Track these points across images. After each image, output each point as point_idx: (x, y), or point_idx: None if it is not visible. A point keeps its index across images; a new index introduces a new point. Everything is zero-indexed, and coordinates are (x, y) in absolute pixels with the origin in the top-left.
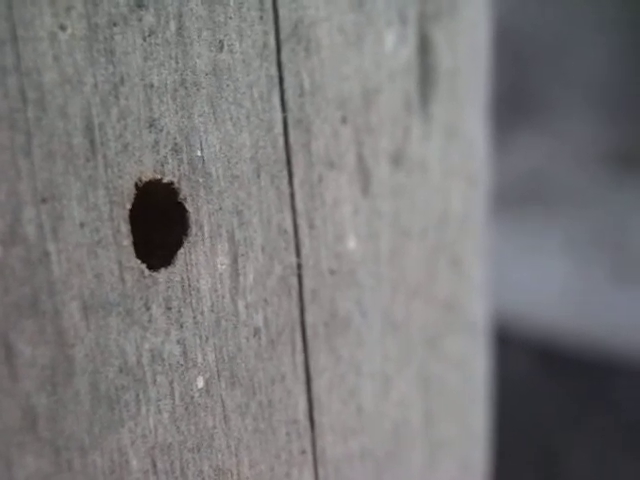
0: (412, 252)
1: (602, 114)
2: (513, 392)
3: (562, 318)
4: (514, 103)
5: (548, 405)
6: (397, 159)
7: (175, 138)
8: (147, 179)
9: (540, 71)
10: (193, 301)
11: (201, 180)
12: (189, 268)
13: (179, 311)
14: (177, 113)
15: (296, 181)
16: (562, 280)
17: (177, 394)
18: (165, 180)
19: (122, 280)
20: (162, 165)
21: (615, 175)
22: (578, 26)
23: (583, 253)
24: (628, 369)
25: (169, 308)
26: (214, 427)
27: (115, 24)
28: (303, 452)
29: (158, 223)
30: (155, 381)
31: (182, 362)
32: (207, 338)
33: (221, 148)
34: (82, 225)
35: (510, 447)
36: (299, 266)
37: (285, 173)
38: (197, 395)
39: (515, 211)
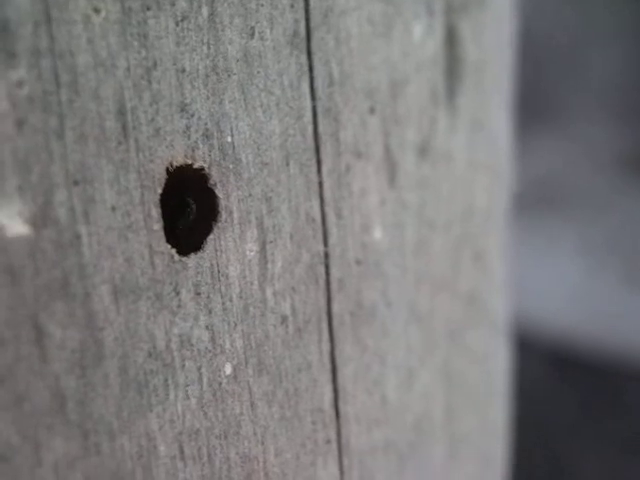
0: (436, 244)
1: (619, 118)
2: (525, 395)
3: (575, 322)
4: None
5: (560, 409)
6: (423, 150)
7: (206, 124)
8: (178, 164)
9: (557, 75)
10: (222, 287)
11: (231, 166)
12: (218, 254)
13: (208, 297)
14: (208, 99)
15: (324, 170)
16: (576, 284)
17: (205, 380)
18: (196, 165)
19: (152, 264)
20: (193, 150)
21: (631, 179)
22: (595, 30)
23: (598, 257)
24: (637, 372)
25: (198, 294)
26: (241, 414)
27: (148, 8)
28: (328, 441)
29: (186, 208)
30: (184, 366)
31: (210, 348)
32: (235, 324)
33: (251, 135)
34: (113, 209)
35: (522, 450)
36: (326, 255)
37: (314, 162)
38: (225, 381)
39: (530, 214)
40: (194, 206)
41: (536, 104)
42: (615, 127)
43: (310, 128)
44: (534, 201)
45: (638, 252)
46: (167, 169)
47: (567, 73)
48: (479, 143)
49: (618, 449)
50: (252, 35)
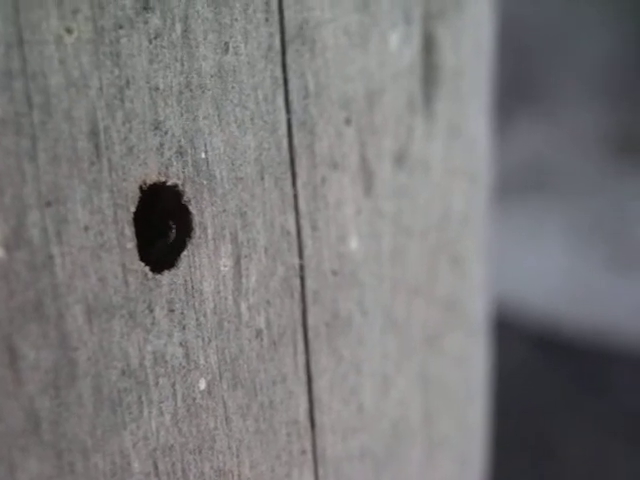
0: (413, 251)
1: (602, 101)
2: (510, 378)
3: (560, 304)
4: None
5: (545, 391)
6: (400, 159)
7: (180, 140)
8: (151, 182)
9: (541, 58)
10: (196, 303)
11: (205, 182)
12: (192, 270)
13: (182, 313)
14: (182, 115)
15: (299, 182)
16: (561, 267)
17: (179, 396)
18: (169, 182)
19: (125, 283)
20: (167, 168)
21: (615, 162)
22: (579, 14)
23: (583, 240)
24: (625, 356)
25: (172, 310)
26: (215, 428)
27: (121, 27)
28: (303, 452)
29: (161, 225)
30: (157, 383)
31: (184, 364)
32: (209, 340)
33: (225, 150)
34: (86, 228)
35: (506, 433)
36: (301, 267)
37: (289, 175)
38: (199, 397)
39: (515, 197)
40: (174, 230)
41: (521, 88)
42: (600, 110)
43: (285, 141)
44: (519, 184)
45: (623, 235)
46: (140, 187)
47: (552, 57)
48: (456, 149)
49: (602, 431)
50: (226, 50)
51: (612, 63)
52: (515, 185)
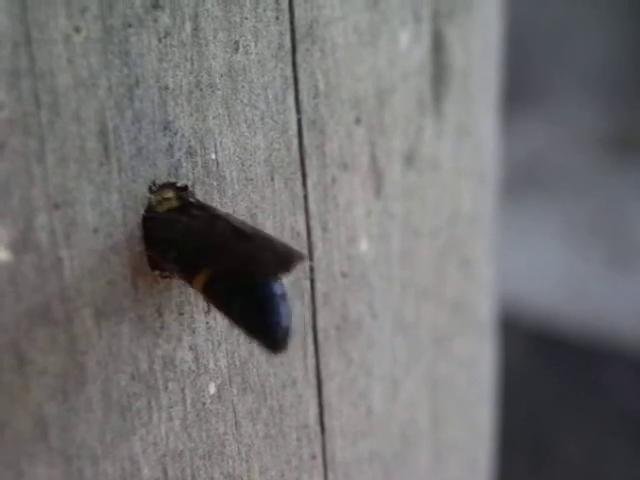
0: (422, 252)
1: (602, 100)
2: (507, 376)
3: (558, 303)
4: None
5: (543, 390)
6: (409, 159)
7: (189, 141)
8: (161, 183)
9: (539, 57)
10: (205, 306)
11: (215, 183)
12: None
13: (191, 317)
14: (192, 115)
15: (309, 183)
16: (559, 265)
17: (189, 401)
18: (179, 184)
19: (134, 286)
20: (176, 169)
21: (613, 160)
22: (577, 12)
23: (581, 238)
24: (624, 355)
25: (181, 314)
26: (225, 433)
27: (130, 25)
28: (313, 457)
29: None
30: (167, 388)
31: (194, 368)
32: (219, 343)
33: (235, 151)
34: (95, 230)
35: (505, 431)
36: (311, 269)
37: (299, 175)
38: (209, 401)
39: (513, 196)
40: None
41: (519, 86)
42: (598, 109)
43: (295, 141)
44: (517, 183)
45: (621, 233)
46: (150, 188)
47: (550, 56)
48: (465, 149)
49: (599, 429)
50: (236, 49)
51: (610, 62)
52: (512, 184)
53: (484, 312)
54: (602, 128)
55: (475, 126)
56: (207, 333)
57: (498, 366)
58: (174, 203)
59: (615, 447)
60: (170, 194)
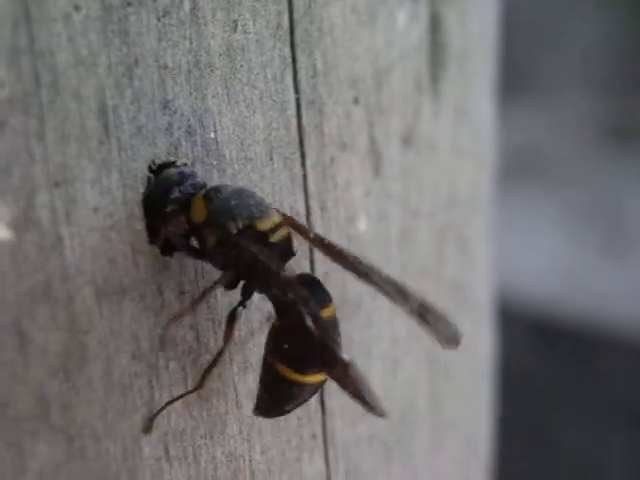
0: (421, 233)
1: (598, 88)
2: (505, 364)
3: (555, 290)
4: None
5: (540, 377)
6: (407, 139)
7: (189, 120)
8: (161, 162)
9: (537, 45)
10: (206, 285)
11: (214, 162)
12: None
13: (192, 296)
14: (191, 94)
15: (308, 163)
16: (557, 253)
17: (189, 380)
18: (179, 163)
19: (135, 265)
20: (176, 148)
21: (609, 149)
22: (573, 1)
23: (578, 226)
24: (619, 342)
25: (182, 292)
26: (226, 413)
27: (129, 4)
28: (314, 436)
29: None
30: (168, 367)
31: (195, 347)
32: (220, 323)
33: (234, 130)
34: (95, 209)
35: (502, 418)
36: (311, 249)
37: (298, 155)
38: (210, 381)
39: (511, 184)
40: None
41: (516, 75)
42: (595, 97)
43: (294, 121)
44: (514, 171)
45: (618, 221)
46: (150, 167)
47: (546, 44)
48: (463, 129)
49: (596, 415)
50: (235, 29)
51: (606, 50)
52: (510, 172)
53: (482, 293)
54: (599, 117)
55: (473, 107)
56: (208, 312)
57: (496, 350)
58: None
59: (611, 432)
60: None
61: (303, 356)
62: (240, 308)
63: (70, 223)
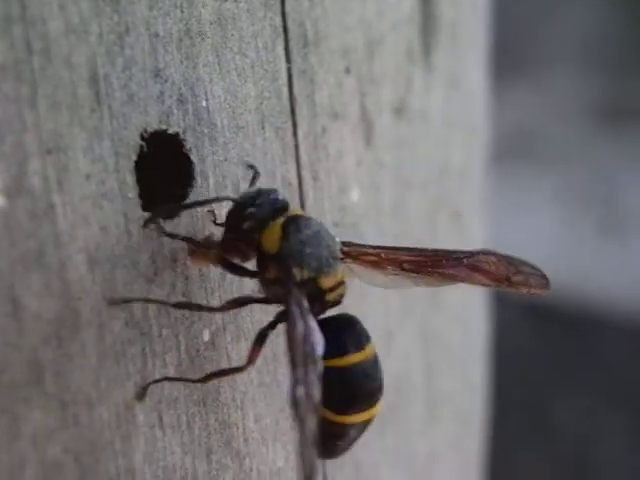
0: (413, 204)
1: (589, 70)
2: (501, 347)
3: (550, 273)
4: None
5: (537, 360)
6: (399, 110)
7: (180, 88)
8: (152, 130)
9: (527, 27)
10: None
11: (206, 131)
12: (194, 220)
13: (184, 263)
14: (182, 63)
15: (300, 132)
16: (551, 234)
17: (183, 347)
18: (170, 131)
19: (128, 232)
20: (167, 116)
21: (602, 129)
22: None
23: (572, 207)
24: (615, 323)
25: (174, 260)
26: (219, 381)
27: None
28: None
29: (163, 175)
30: (161, 334)
31: (188, 315)
32: (212, 291)
33: (226, 99)
34: (88, 177)
35: (498, 398)
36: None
37: (289, 124)
38: (203, 348)
39: (501, 166)
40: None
41: (510, 56)
42: (586, 79)
43: (285, 90)
44: (507, 153)
45: (611, 201)
46: (141, 135)
47: (538, 25)
48: (455, 101)
49: (591, 394)
50: None
51: (597, 32)
52: (503, 154)
53: None
54: (590, 98)
55: (465, 79)
56: (200, 280)
57: (490, 326)
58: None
59: (606, 411)
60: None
61: (341, 399)
62: (270, 330)
63: (62, 190)
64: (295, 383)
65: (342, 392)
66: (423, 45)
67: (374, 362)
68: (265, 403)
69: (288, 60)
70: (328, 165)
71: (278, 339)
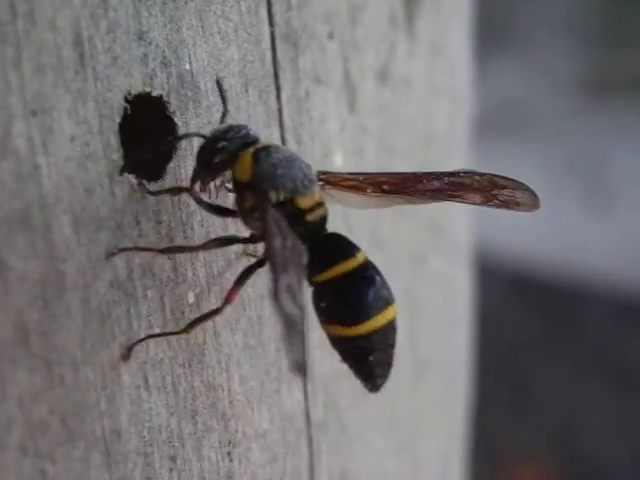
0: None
1: (576, 44)
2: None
3: (536, 245)
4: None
5: (520, 331)
6: (382, 75)
7: (164, 51)
8: (136, 92)
9: (510, 1)
10: (183, 215)
11: (190, 94)
12: (179, 182)
13: (169, 225)
14: (166, 26)
15: (284, 96)
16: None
17: (168, 309)
18: (154, 93)
19: (112, 194)
20: (151, 78)
21: (588, 102)
22: None
23: (557, 181)
24: (598, 296)
25: (159, 222)
26: (204, 342)
27: None
28: None
29: (147, 136)
30: (146, 296)
31: (172, 277)
32: (197, 253)
33: (209, 62)
34: (72, 138)
35: (482, 370)
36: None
37: (273, 88)
38: (187, 310)
39: (491, 139)
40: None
41: (495, 31)
42: (573, 52)
43: (269, 54)
44: (495, 126)
45: (598, 175)
46: (125, 98)
47: (523, 0)
48: (438, 68)
49: (575, 367)
50: None
51: (584, 6)
52: (491, 127)
53: (461, 233)
54: (577, 71)
55: (449, 47)
56: (185, 242)
57: (475, 294)
58: None
59: (589, 384)
60: None
61: (345, 309)
62: (255, 269)
63: (47, 152)
64: (276, 278)
65: (343, 301)
66: (406, 11)
67: (369, 267)
68: (250, 365)
69: (271, 24)
70: (312, 129)
71: (263, 302)
